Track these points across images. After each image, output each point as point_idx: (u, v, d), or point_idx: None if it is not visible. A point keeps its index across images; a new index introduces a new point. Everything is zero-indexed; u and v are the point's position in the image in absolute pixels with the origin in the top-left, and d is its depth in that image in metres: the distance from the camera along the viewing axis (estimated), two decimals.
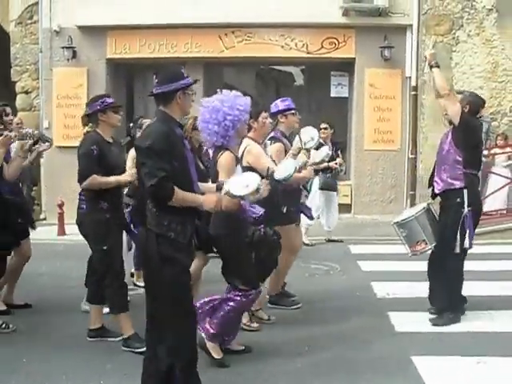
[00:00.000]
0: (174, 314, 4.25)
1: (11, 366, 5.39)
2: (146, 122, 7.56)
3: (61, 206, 12.09)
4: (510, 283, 7.55)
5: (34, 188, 13.94)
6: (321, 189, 10.48)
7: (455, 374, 5.14)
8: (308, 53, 13.72)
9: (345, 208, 12.46)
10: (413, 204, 13.20)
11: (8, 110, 6.83)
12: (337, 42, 13.59)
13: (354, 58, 13.67)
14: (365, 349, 5.75)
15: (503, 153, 12.85)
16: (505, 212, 12.19)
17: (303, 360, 5.49)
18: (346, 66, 14.14)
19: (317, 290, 7.64)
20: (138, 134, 7.48)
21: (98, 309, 5.99)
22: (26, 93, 14.64)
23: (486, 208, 11.63)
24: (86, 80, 13.95)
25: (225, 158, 5.17)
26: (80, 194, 5.88)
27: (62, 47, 13.82)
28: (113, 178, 5.65)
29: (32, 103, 14.64)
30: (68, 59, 13.81)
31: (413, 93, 13.37)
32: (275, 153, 6.40)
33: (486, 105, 12.96)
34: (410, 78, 13.43)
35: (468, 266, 8.01)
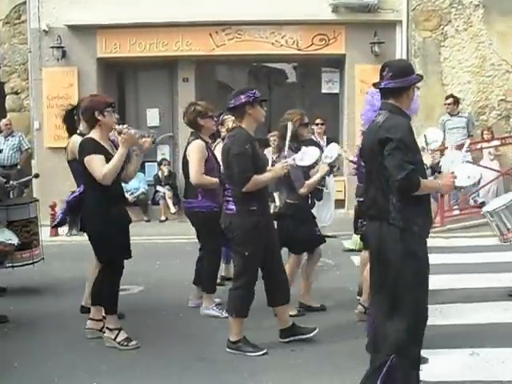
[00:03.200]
0: (411, 310, 4.19)
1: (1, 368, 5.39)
2: (228, 117, 7.56)
3: (53, 207, 12.08)
4: (502, 275, 7.59)
5: (26, 190, 13.90)
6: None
7: (448, 366, 5.19)
8: (298, 49, 13.73)
9: (338, 203, 12.43)
10: None
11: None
12: (327, 39, 13.61)
13: (345, 55, 13.70)
14: (358, 343, 5.68)
15: (489, 146, 12.92)
16: None
17: (296, 355, 5.54)
18: (337, 63, 14.17)
19: None
20: (223, 131, 7.50)
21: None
22: (16, 93, 14.59)
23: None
24: (77, 80, 13.88)
25: None
26: (226, 195, 5.60)
27: (52, 47, 13.72)
28: (270, 174, 5.59)
29: (22, 104, 14.58)
30: (58, 59, 13.74)
31: None
32: None
33: (472, 99, 13.15)
34: None
35: (458, 258, 8.10)
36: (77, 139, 6.36)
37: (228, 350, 5.64)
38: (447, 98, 12.68)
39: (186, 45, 13.85)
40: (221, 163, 5.91)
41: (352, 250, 9.31)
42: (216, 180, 6.33)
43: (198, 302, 6.91)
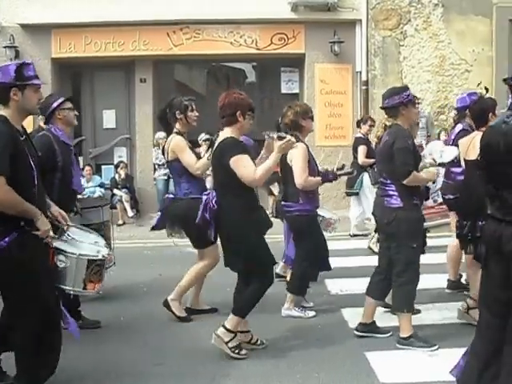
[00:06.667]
0: None
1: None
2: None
3: None
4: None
5: None
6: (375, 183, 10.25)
7: (408, 368, 5.17)
8: (257, 49, 13.65)
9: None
10: None
11: (194, 105, 6.49)
12: (286, 38, 13.54)
13: (304, 54, 13.64)
14: (318, 345, 5.73)
15: None
16: None
17: (258, 356, 5.46)
18: (296, 62, 14.10)
19: (271, 288, 7.49)
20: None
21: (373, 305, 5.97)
22: None
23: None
24: None
25: None
26: (386, 190, 5.65)
27: (4, 46, 13.42)
28: (425, 176, 5.85)
29: None
30: (11, 59, 13.34)
31: (363, 87, 13.40)
32: None
33: (431, 99, 13.16)
34: (360, 72, 13.45)
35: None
36: (176, 138, 6.33)
37: (399, 345, 5.60)
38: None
39: (143, 44, 13.67)
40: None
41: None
42: (319, 179, 6.53)
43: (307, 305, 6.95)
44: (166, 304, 6.50)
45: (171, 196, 6.63)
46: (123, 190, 13.47)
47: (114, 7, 13.04)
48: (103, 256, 4.87)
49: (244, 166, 5.20)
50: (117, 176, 13.68)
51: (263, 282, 5.48)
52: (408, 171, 5.47)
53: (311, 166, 6.47)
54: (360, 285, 7.60)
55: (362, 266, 8.56)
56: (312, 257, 6.63)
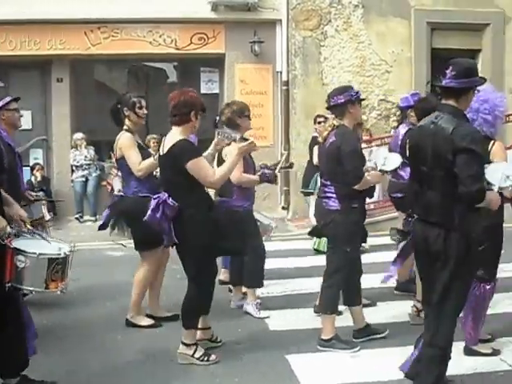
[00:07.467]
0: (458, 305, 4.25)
1: None
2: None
3: None
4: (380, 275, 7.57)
5: None
6: None
7: (329, 370, 5.16)
8: (177, 49, 13.42)
9: None
10: (287, 200, 13.20)
11: (143, 102, 6.27)
12: (206, 38, 13.37)
13: (224, 54, 13.50)
14: (238, 349, 5.66)
15: (368, 147, 12.95)
16: (374, 206, 12.24)
17: (174, 362, 5.35)
18: (216, 62, 13.95)
19: None
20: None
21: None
22: None
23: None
24: None
25: (500, 148, 5.03)
26: (326, 192, 5.59)
27: None
28: (370, 180, 5.59)
29: None
30: None
31: (284, 88, 13.35)
32: None
33: None
34: (280, 72, 13.41)
35: None
36: (124, 136, 6.16)
37: (320, 348, 5.56)
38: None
39: (60, 43, 13.21)
40: None
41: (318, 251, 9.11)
42: (256, 177, 6.53)
43: (240, 304, 6.87)
44: (130, 323, 6.28)
45: (120, 194, 6.44)
46: (40, 192, 13.03)
47: (29, 5, 12.54)
48: (65, 253, 4.70)
49: (202, 169, 5.18)
50: (33, 178, 13.24)
51: (204, 284, 5.33)
52: (360, 176, 5.43)
53: (247, 163, 6.46)
54: (281, 287, 7.60)
55: (284, 267, 8.53)
56: (261, 249, 6.65)
